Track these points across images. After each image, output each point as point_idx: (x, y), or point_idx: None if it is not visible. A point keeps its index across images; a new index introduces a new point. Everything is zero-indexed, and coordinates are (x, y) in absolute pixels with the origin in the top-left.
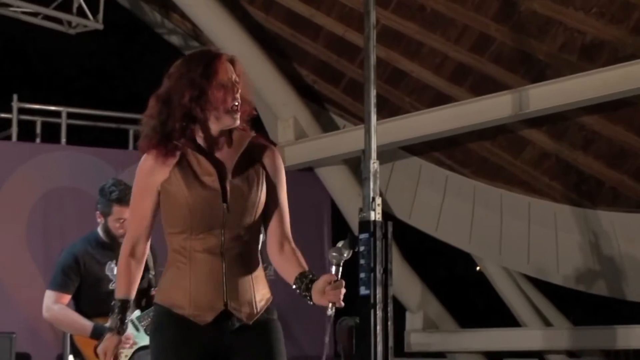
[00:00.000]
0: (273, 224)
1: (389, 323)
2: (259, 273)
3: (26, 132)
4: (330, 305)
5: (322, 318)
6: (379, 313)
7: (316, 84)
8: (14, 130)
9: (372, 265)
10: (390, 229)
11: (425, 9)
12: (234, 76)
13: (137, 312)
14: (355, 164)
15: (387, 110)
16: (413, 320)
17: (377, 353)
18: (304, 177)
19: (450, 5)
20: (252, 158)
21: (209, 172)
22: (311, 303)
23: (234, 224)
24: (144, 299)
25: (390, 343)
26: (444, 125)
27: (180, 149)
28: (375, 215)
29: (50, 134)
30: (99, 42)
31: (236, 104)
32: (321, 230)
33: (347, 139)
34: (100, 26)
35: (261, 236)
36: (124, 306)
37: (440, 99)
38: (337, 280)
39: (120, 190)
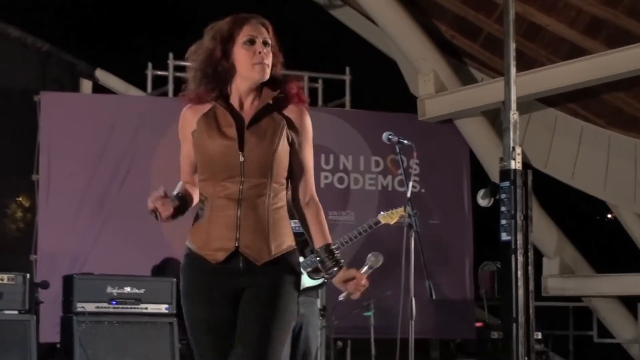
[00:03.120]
0: (295, 178)
1: (529, 268)
2: (281, 221)
3: (182, 89)
4: (345, 294)
5: (462, 263)
6: (520, 258)
7: (455, 39)
8: (170, 86)
9: (512, 212)
10: (530, 177)
11: None
12: (261, 37)
13: (301, 259)
14: (493, 116)
15: (523, 63)
16: (550, 266)
17: (518, 297)
18: (443, 128)
19: None
20: (275, 111)
21: (230, 123)
22: (328, 277)
23: (252, 172)
24: (308, 247)
25: (531, 287)
26: (579, 77)
27: (211, 102)
28: (516, 164)
29: None
30: (246, 3)
31: (264, 61)
32: (461, 180)
33: (486, 91)
34: None
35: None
36: (177, 194)
37: (575, 52)
38: (363, 283)
39: None
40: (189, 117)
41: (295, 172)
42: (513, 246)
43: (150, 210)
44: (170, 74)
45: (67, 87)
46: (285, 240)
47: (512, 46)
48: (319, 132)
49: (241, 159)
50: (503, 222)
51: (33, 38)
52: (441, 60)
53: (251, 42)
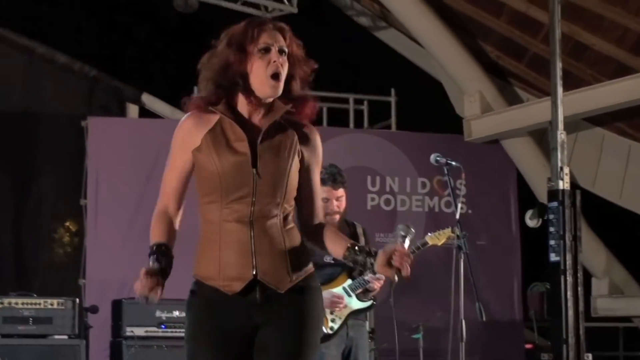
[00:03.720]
0: (305, 201)
1: (579, 288)
2: (297, 245)
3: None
4: (394, 271)
5: (510, 284)
6: (569, 279)
7: (500, 60)
8: None
9: (561, 232)
10: (578, 197)
11: None
12: (277, 45)
13: (349, 281)
14: (540, 136)
15: (570, 82)
16: (599, 286)
17: (567, 318)
18: (490, 149)
19: None
20: (287, 128)
21: (241, 138)
22: (371, 274)
23: (265, 191)
24: (357, 270)
25: (581, 308)
26: (626, 96)
27: (217, 114)
28: (564, 184)
29: None
30: (293, 25)
31: (276, 72)
32: (508, 201)
33: (532, 111)
34: (294, 10)
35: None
36: (157, 250)
37: (621, 71)
38: (406, 251)
39: (328, 172)
40: (192, 130)
41: (303, 193)
42: (562, 267)
43: (140, 297)
44: None
45: (114, 112)
46: (304, 262)
47: (559, 66)
48: (365, 154)
49: (254, 176)
50: (552, 242)
51: (80, 64)
52: (487, 80)
53: (266, 50)
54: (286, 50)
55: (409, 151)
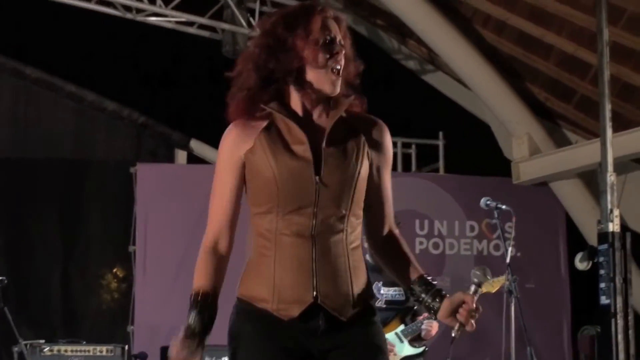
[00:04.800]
0: (375, 207)
1: (630, 331)
2: (360, 264)
3: None
4: (457, 326)
5: (560, 328)
6: (620, 322)
7: (548, 101)
8: None
9: (612, 275)
10: (628, 240)
11: None
12: (337, 36)
13: (402, 327)
14: (589, 178)
15: (619, 123)
16: None
17: None
18: (539, 192)
19: None
20: (354, 128)
21: (300, 140)
22: (433, 318)
23: (329, 201)
24: (409, 315)
25: (632, 351)
26: None
27: (269, 114)
28: (614, 226)
29: None
30: None
31: (337, 67)
32: (557, 243)
33: (581, 153)
34: None
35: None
36: (201, 301)
37: None
38: (475, 306)
39: None
40: (241, 136)
41: (372, 202)
42: (613, 309)
43: None
44: None
45: (163, 158)
46: (366, 288)
47: (608, 107)
48: (413, 198)
49: (317, 184)
50: (602, 285)
51: (129, 110)
52: (535, 122)
53: (331, 41)
54: (343, 42)
55: (457, 194)
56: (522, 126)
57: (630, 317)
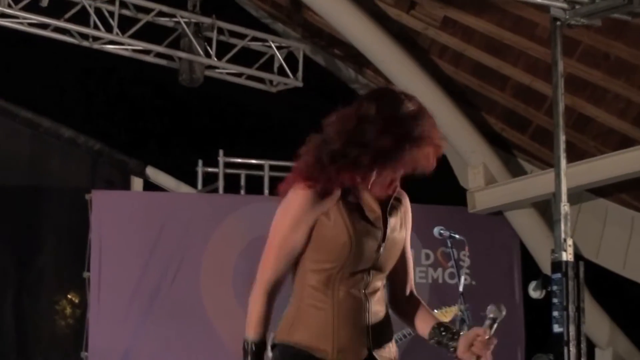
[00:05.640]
0: (401, 269)
1: (582, 359)
2: (389, 317)
3: (232, 185)
4: (474, 359)
5: (514, 356)
6: (572, 350)
7: (504, 132)
8: (221, 183)
9: (565, 303)
10: (581, 269)
11: (609, 57)
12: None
13: None
14: (543, 207)
15: (573, 154)
16: (603, 357)
17: None
18: (494, 221)
19: (633, 52)
20: (397, 199)
21: (374, 209)
22: (454, 355)
23: (382, 264)
24: None
25: None
26: (629, 168)
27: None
28: (567, 255)
29: (254, 186)
30: (298, 99)
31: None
32: (512, 272)
33: (536, 183)
34: (299, 84)
35: None
36: (256, 352)
37: (625, 142)
38: (489, 337)
39: None
40: (317, 197)
41: (399, 264)
42: (565, 338)
43: None
44: (220, 170)
45: (118, 185)
46: (393, 335)
47: (562, 138)
48: None
49: (380, 250)
50: (555, 314)
51: (85, 137)
52: (491, 152)
53: (434, 151)
54: None
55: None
56: (478, 156)
57: (583, 345)
